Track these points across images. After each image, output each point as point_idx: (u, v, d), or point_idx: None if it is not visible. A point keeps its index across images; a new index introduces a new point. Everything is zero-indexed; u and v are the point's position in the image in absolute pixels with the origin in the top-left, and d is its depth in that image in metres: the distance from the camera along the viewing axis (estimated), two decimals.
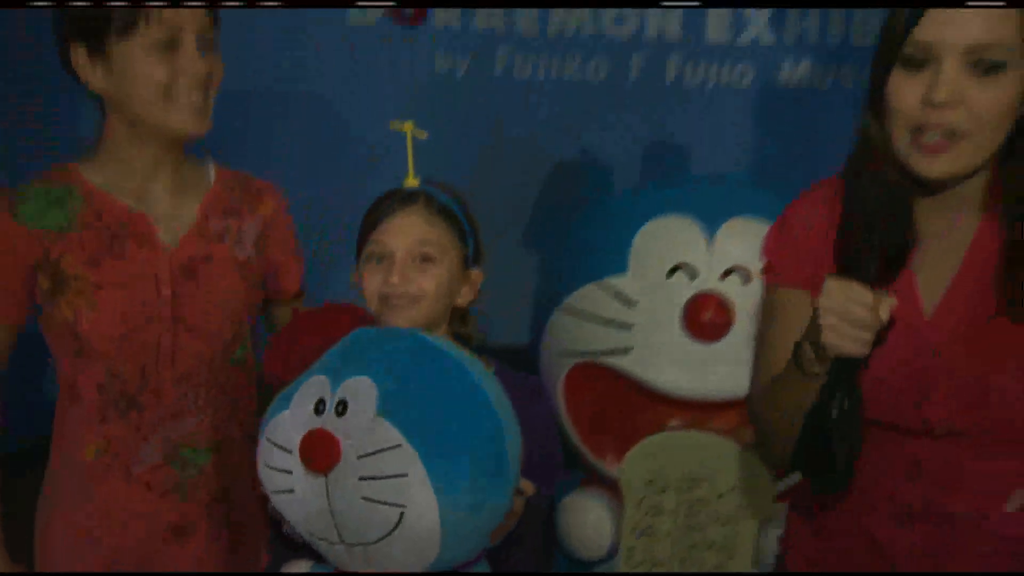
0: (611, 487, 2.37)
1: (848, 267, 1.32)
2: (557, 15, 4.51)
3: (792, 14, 4.39)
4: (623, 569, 2.33)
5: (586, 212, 2.92)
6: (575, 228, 2.90)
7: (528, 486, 1.33)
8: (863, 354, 1.23)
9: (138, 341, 1.43)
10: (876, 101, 1.33)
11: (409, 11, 4.38)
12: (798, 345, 1.33)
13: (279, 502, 1.19)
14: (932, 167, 1.26)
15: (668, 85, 4.47)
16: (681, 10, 4.51)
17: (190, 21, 1.37)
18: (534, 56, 4.54)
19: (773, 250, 1.48)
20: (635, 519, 2.27)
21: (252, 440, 1.43)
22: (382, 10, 4.42)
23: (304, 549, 1.29)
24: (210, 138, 1.64)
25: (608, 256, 2.41)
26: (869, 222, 1.31)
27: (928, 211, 1.39)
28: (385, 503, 1.12)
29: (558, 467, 1.49)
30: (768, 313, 1.47)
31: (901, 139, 1.28)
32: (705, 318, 2.22)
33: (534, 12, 4.50)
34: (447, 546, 1.16)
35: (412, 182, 1.55)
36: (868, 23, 4.45)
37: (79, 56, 1.41)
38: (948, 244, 1.35)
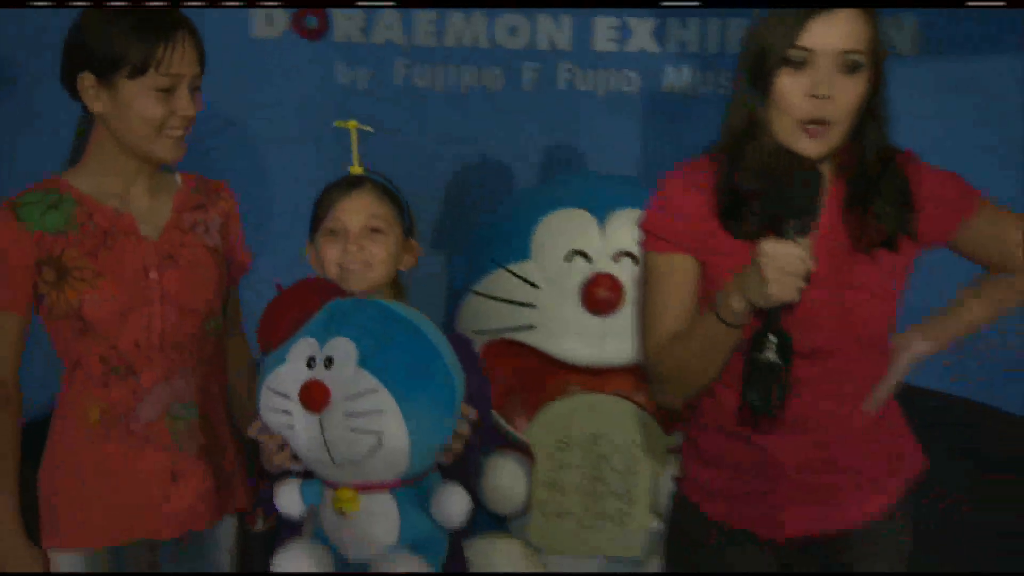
0: (523, 450, 2.51)
1: (758, 222, 1.46)
2: (454, 27, 4.66)
3: (673, 23, 4.62)
4: (535, 519, 2.48)
5: (491, 208, 3.10)
6: (482, 223, 3.07)
7: (466, 409, 1.60)
8: (796, 299, 1.37)
9: (132, 318, 1.62)
10: (761, 91, 1.48)
11: (313, 22, 4.49)
12: (719, 300, 1.46)
13: (282, 433, 1.48)
14: (812, 148, 1.44)
15: (560, 92, 4.64)
16: (571, 20, 4.66)
17: (187, 70, 1.57)
18: (431, 67, 4.68)
19: (654, 221, 1.57)
20: (545, 474, 2.47)
21: (226, 393, 1.63)
22: (287, 23, 4.47)
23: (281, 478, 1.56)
24: None
25: (512, 245, 2.58)
26: (779, 188, 1.43)
27: None
28: (367, 431, 1.43)
29: (488, 398, 1.73)
30: (653, 278, 1.57)
31: (786, 124, 1.45)
32: (600, 295, 2.38)
33: (432, 25, 4.62)
34: (413, 462, 1.50)
35: (357, 169, 1.77)
36: (743, 32, 4.92)
37: (87, 82, 1.57)
38: None
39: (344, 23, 4.59)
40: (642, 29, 4.62)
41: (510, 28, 4.69)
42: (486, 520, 2.47)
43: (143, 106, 1.55)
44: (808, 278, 1.38)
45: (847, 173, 1.54)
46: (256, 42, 4.49)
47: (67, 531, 1.68)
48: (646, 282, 1.58)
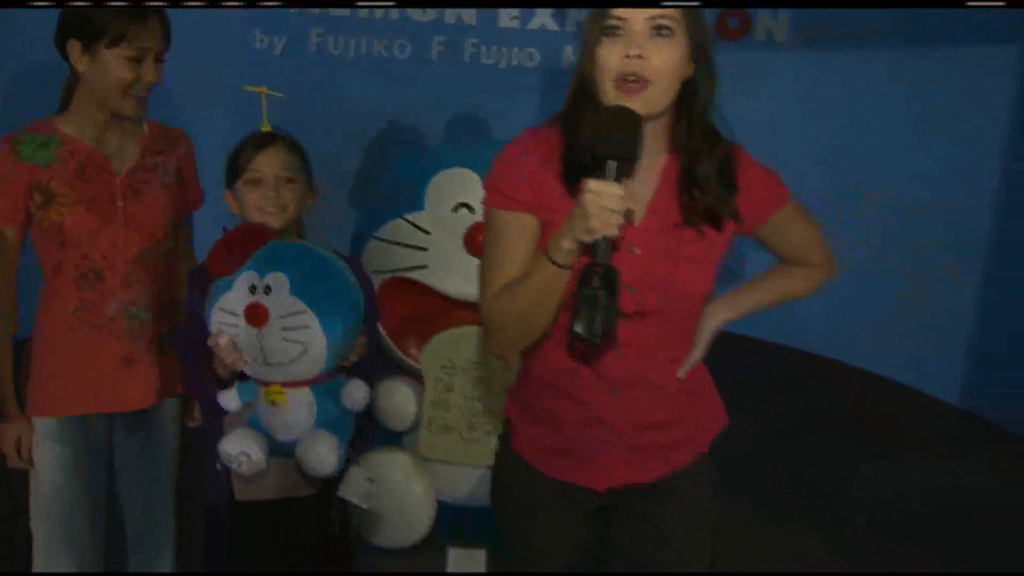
0: (414, 375, 2.73)
1: (591, 174, 1.47)
2: None
3: (574, 8, 4.75)
4: (423, 435, 2.69)
5: (392, 167, 3.30)
6: (384, 179, 3.29)
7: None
8: (615, 234, 1.42)
9: (102, 235, 1.92)
10: (588, 61, 1.51)
11: None
12: (551, 244, 1.47)
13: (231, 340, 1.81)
14: (632, 103, 1.47)
15: (465, 64, 4.91)
16: None
17: (153, 45, 1.87)
18: (344, 36, 4.88)
19: (497, 179, 1.60)
20: (432, 395, 2.68)
21: (174, 304, 2.06)
22: None
23: (228, 379, 1.89)
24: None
25: (408, 198, 2.78)
26: (602, 131, 1.46)
27: None
28: (296, 342, 1.80)
29: (376, 309, 2.06)
30: (493, 234, 1.59)
31: (607, 86, 1.49)
32: (480, 240, 2.53)
33: None
34: (328, 363, 1.87)
35: (267, 127, 2.06)
36: None
37: (75, 48, 1.85)
38: (647, 175, 1.58)
39: None
40: (543, 9, 4.83)
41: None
42: (382, 436, 2.74)
43: (115, 69, 1.84)
44: (628, 215, 1.47)
45: (678, 152, 1.59)
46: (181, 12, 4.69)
47: (44, 401, 1.98)
48: (487, 238, 1.61)
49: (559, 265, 1.47)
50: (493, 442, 2.57)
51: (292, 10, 4.78)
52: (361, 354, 1.98)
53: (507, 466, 1.79)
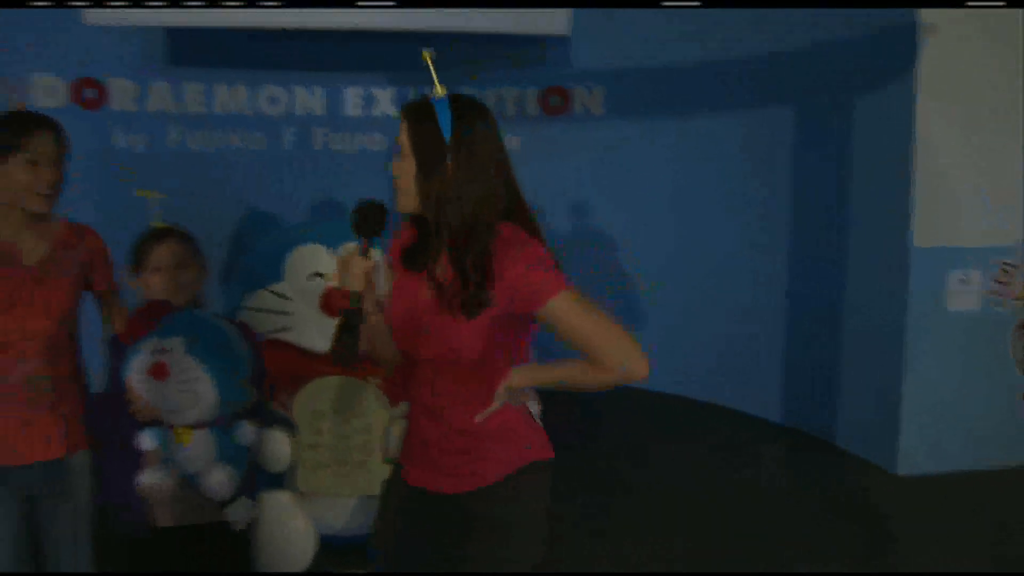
0: (287, 423, 2.94)
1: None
2: (220, 97, 5.21)
3: (410, 92, 5.28)
4: (301, 473, 2.92)
5: (255, 246, 3.58)
6: (248, 258, 3.57)
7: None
8: (361, 287, 1.76)
9: (9, 315, 2.19)
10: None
11: (92, 94, 4.95)
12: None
13: (143, 393, 2.19)
14: (397, 204, 1.78)
15: (316, 151, 5.35)
16: (322, 89, 5.24)
17: (46, 151, 2.16)
18: (203, 132, 5.24)
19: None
20: (305, 438, 2.92)
21: (76, 372, 2.33)
22: (69, 96, 4.93)
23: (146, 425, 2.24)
24: None
25: (270, 271, 3.17)
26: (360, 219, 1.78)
27: None
28: (190, 392, 2.19)
29: (263, 364, 2.45)
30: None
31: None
32: (331, 302, 3.00)
33: (200, 96, 5.16)
34: (222, 409, 2.25)
35: (161, 224, 2.45)
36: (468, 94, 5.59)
37: None
38: None
39: (119, 96, 5.05)
40: (384, 97, 5.35)
41: (271, 97, 5.31)
42: (267, 478, 2.97)
43: (15, 175, 2.16)
44: (371, 275, 1.79)
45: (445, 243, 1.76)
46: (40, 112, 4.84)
47: None
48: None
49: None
50: (360, 473, 2.94)
51: (147, 110, 5.05)
52: (250, 405, 2.35)
53: (393, 475, 2.07)
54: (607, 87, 5.29)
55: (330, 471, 3.00)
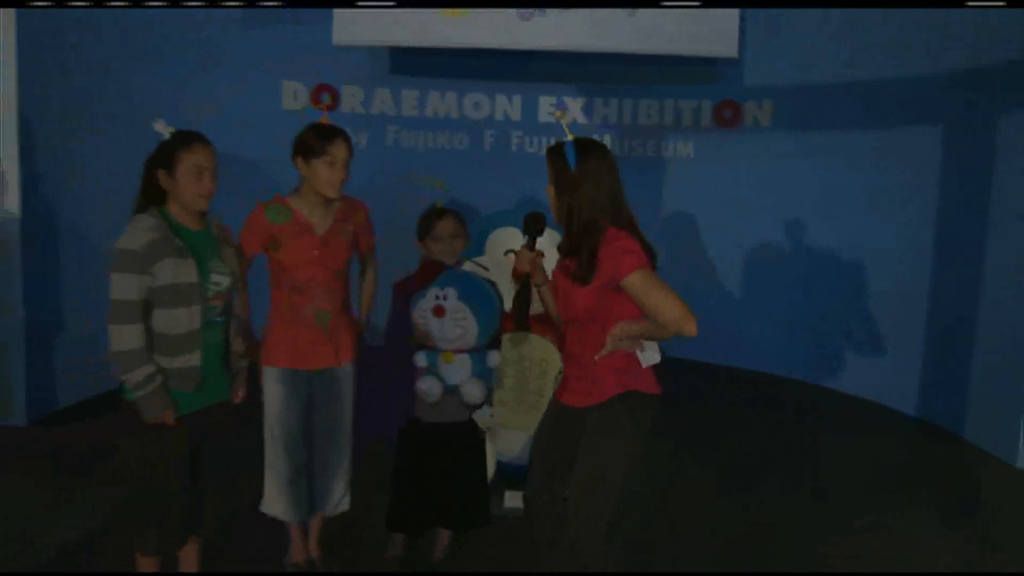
0: None
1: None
2: (431, 103, 5.66)
3: (597, 103, 5.62)
4: (492, 408, 3.28)
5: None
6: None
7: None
8: (527, 269, 2.40)
9: (303, 267, 2.70)
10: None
11: (326, 99, 5.53)
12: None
13: (425, 326, 2.72)
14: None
15: (512, 152, 5.72)
16: (520, 98, 5.62)
17: (340, 154, 2.64)
18: (415, 132, 5.69)
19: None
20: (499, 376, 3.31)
21: (347, 307, 2.87)
22: (308, 100, 5.55)
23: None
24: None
25: (474, 247, 3.56)
26: (528, 223, 2.40)
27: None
28: (461, 327, 2.73)
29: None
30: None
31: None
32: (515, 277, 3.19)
33: (414, 100, 5.66)
34: (479, 341, 2.79)
35: (440, 205, 3.07)
36: (649, 105, 5.71)
37: (299, 161, 2.66)
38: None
39: (349, 98, 5.63)
40: (574, 105, 5.69)
41: (474, 103, 5.74)
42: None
43: (320, 173, 2.64)
44: (536, 262, 2.43)
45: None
46: (285, 113, 5.49)
47: (270, 357, 2.75)
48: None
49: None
50: (533, 412, 3.41)
51: (371, 111, 5.60)
52: (497, 337, 2.90)
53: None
54: (775, 101, 5.58)
55: (510, 407, 3.53)
